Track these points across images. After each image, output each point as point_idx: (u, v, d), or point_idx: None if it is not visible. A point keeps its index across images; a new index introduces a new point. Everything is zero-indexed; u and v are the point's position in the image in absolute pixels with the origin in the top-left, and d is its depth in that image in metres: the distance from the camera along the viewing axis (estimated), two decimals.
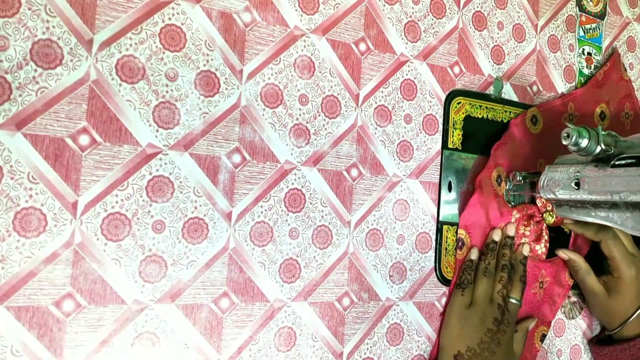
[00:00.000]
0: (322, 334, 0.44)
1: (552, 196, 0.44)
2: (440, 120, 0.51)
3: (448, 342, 0.46)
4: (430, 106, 0.51)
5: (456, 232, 0.50)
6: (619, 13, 0.66)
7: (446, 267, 0.50)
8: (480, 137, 0.53)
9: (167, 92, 0.39)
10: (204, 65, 0.41)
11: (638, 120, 0.64)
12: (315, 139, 0.45)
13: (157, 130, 0.39)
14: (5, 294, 0.34)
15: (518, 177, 0.50)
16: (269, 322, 0.42)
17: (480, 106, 0.53)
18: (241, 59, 0.42)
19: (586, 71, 0.62)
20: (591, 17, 0.63)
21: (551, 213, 0.52)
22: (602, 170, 0.39)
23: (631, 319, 0.52)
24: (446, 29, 0.52)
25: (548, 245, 0.53)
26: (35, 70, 0.35)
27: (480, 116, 0.53)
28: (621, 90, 0.63)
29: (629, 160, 0.38)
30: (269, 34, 0.43)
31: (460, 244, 0.49)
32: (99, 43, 0.37)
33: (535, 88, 0.58)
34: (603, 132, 0.39)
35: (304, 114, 0.45)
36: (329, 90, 0.46)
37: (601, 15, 0.64)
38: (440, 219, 0.50)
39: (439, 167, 0.51)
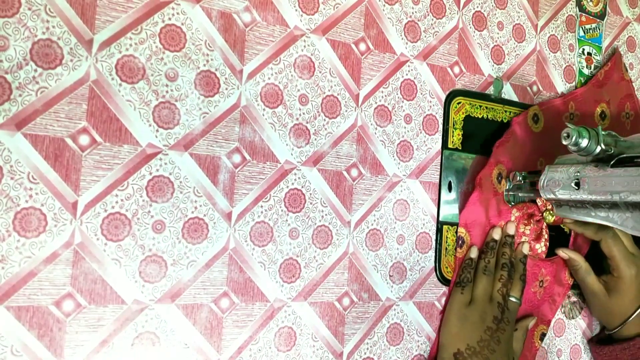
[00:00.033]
0: (322, 334, 0.44)
1: (552, 196, 0.44)
2: (440, 120, 0.51)
3: (448, 340, 0.46)
4: (430, 106, 0.51)
5: (456, 231, 0.50)
6: (619, 13, 0.66)
7: (446, 267, 0.50)
8: (480, 137, 0.53)
9: (167, 92, 0.39)
10: (204, 65, 0.41)
11: (639, 120, 0.64)
12: (315, 139, 0.45)
13: (157, 130, 0.39)
14: (5, 294, 0.34)
15: (518, 177, 0.50)
16: (269, 322, 0.42)
17: (480, 106, 0.53)
18: (241, 59, 0.42)
19: (586, 71, 0.62)
20: (591, 17, 0.63)
21: (551, 212, 0.52)
22: (602, 170, 0.39)
23: (631, 319, 0.52)
24: (446, 29, 0.52)
25: (548, 244, 0.53)
26: (35, 70, 0.35)
27: (480, 116, 0.53)
28: (622, 90, 0.63)
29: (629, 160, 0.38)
30: (269, 34, 0.43)
31: (460, 242, 0.49)
32: (99, 43, 0.37)
33: (535, 88, 0.58)
34: (603, 132, 0.39)
35: (304, 114, 0.45)
36: (329, 90, 0.46)
37: (601, 15, 0.64)
38: (440, 219, 0.50)
39: (439, 167, 0.51)
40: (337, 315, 0.45)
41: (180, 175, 0.40)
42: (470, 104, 0.52)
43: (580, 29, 0.62)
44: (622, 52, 0.65)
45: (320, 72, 0.45)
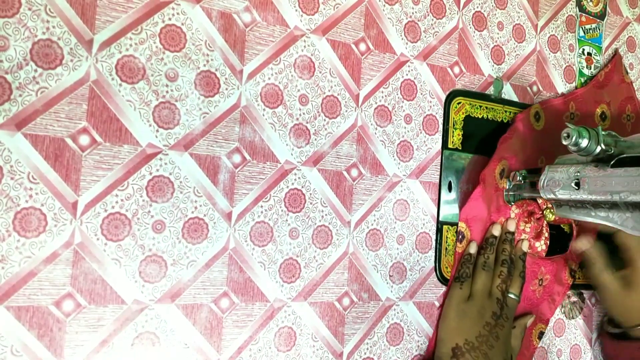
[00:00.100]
0: (322, 334, 0.44)
1: (552, 196, 0.44)
2: (440, 120, 0.51)
3: (446, 334, 0.46)
4: (430, 106, 0.51)
5: (457, 225, 0.50)
6: (619, 13, 0.66)
7: (446, 267, 0.50)
8: (480, 137, 0.53)
9: (167, 92, 0.39)
10: (204, 65, 0.41)
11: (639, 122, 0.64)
12: (315, 139, 0.45)
13: (157, 130, 0.39)
14: (5, 294, 0.34)
15: (518, 177, 0.50)
16: (269, 322, 0.42)
17: (480, 106, 0.53)
18: (241, 59, 0.42)
19: (586, 71, 0.62)
20: (591, 17, 0.63)
21: (552, 210, 0.52)
22: (602, 170, 0.39)
23: None
24: (446, 29, 0.52)
25: (548, 242, 0.53)
26: (35, 71, 0.35)
27: (480, 116, 0.53)
28: (622, 92, 0.63)
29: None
30: (269, 34, 0.43)
31: (460, 237, 0.49)
32: (99, 43, 0.37)
33: (535, 88, 0.58)
34: (603, 132, 0.39)
35: (304, 114, 0.45)
36: (329, 91, 0.46)
37: (601, 16, 0.64)
38: (440, 219, 0.50)
39: (439, 167, 0.51)
40: (337, 315, 0.45)
41: (180, 175, 0.40)
42: (470, 104, 0.52)
43: (580, 29, 0.62)
44: (622, 53, 0.65)
45: (320, 72, 0.45)
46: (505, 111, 0.54)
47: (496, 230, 0.50)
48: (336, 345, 0.45)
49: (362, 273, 0.47)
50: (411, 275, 0.49)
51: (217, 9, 0.41)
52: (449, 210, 0.51)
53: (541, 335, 0.55)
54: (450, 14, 0.52)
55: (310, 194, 0.44)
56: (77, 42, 0.37)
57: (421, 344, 0.49)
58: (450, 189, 0.51)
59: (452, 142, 0.51)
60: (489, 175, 0.50)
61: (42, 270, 0.35)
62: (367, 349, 0.46)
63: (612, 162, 0.39)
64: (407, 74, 0.50)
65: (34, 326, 0.35)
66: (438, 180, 0.51)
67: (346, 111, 0.46)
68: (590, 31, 0.63)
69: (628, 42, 0.66)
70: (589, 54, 0.63)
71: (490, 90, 0.54)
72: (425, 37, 0.51)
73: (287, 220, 0.43)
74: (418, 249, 0.49)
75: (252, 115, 0.42)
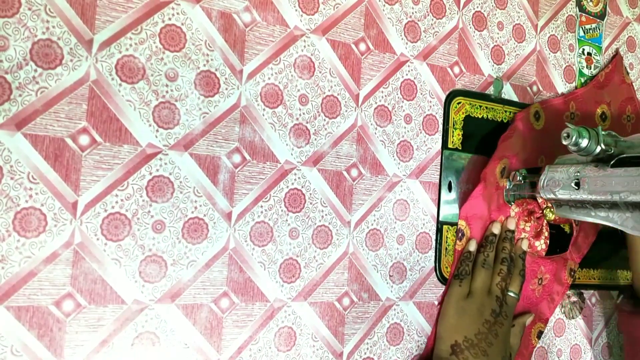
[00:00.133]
0: (322, 334, 0.44)
1: (552, 196, 0.44)
2: (440, 120, 0.51)
3: (445, 332, 0.46)
4: (430, 106, 0.51)
5: (457, 224, 0.50)
6: (619, 13, 0.66)
7: (446, 267, 0.50)
8: (480, 137, 0.53)
9: (167, 92, 0.39)
10: (204, 65, 0.41)
11: None
12: (315, 139, 0.45)
13: (157, 130, 0.39)
14: (5, 294, 0.34)
15: (518, 177, 0.50)
16: (269, 322, 0.42)
17: (480, 106, 0.53)
18: (241, 59, 0.42)
19: (586, 71, 0.62)
20: (591, 17, 0.63)
21: (552, 209, 0.52)
22: (602, 170, 0.39)
23: None
24: (446, 29, 0.52)
25: (548, 242, 0.53)
26: (35, 70, 0.35)
27: (480, 116, 0.53)
28: (623, 93, 0.63)
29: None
30: (269, 34, 0.43)
31: (460, 234, 0.50)
32: (99, 43, 0.37)
33: (535, 88, 0.58)
34: (603, 132, 0.39)
35: (304, 114, 0.45)
36: (329, 90, 0.46)
37: (601, 16, 0.64)
38: (440, 219, 0.50)
39: (439, 167, 0.51)
40: (337, 315, 0.45)
41: (180, 175, 0.40)
42: (470, 104, 0.52)
43: (580, 29, 0.62)
44: (622, 52, 0.65)
45: (320, 72, 0.45)
46: (505, 111, 0.54)
47: (496, 229, 0.50)
48: (336, 345, 0.45)
49: (362, 273, 0.47)
50: (411, 275, 0.49)
51: (217, 9, 0.41)
52: (449, 210, 0.51)
53: (540, 334, 0.55)
54: (450, 14, 0.52)
55: (310, 194, 0.44)
56: (77, 42, 0.37)
57: (421, 344, 0.49)
58: (450, 188, 0.51)
59: (452, 142, 0.51)
60: (490, 174, 0.50)
61: (42, 270, 0.35)
62: (367, 348, 0.46)
63: (612, 162, 0.39)
64: (407, 74, 0.50)
65: (34, 326, 0.35)
66: (438, 180, 0.51)
67: (346, 111, 0.46)
68: (590, 31, 0.63)
69: (628, 42, 0.66)
70: (589, 54, 0.63)
71: (490, 90, 0.54)
72: (425, 37, 0.51)
73: (287, 220, 0.43)
74: (418, 249, 0.49)
75: (252, 115, 0.42)
